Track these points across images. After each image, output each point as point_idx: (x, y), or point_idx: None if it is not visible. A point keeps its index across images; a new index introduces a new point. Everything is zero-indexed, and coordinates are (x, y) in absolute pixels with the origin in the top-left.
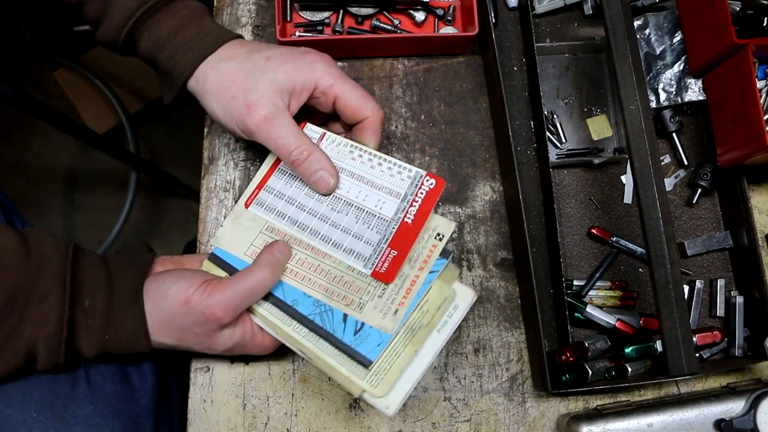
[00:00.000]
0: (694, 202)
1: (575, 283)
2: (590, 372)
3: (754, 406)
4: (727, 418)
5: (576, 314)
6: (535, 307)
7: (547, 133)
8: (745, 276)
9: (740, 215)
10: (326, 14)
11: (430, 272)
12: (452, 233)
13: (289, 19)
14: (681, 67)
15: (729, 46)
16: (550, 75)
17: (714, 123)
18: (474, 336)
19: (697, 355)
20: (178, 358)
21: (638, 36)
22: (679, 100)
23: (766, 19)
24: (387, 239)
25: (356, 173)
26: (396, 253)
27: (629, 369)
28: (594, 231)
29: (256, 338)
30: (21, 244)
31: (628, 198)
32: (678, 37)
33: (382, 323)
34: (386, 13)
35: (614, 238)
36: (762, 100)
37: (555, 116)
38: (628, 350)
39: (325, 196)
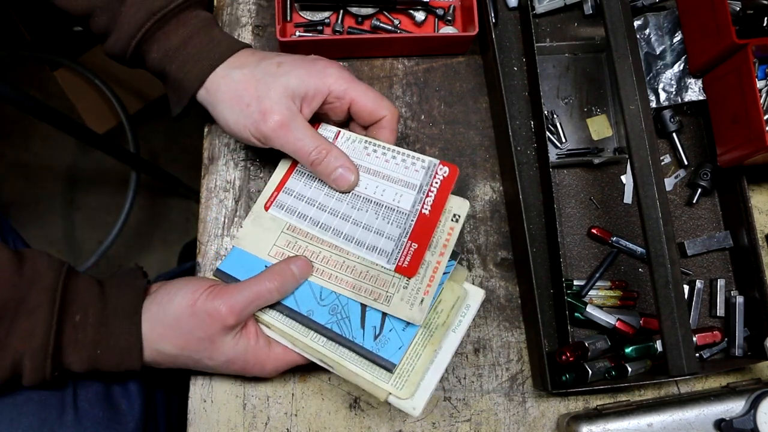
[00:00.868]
0: (694, 202)
1: (575, 283)
2: (590, 372)
3: (754, 406)
4: (727, 418)
5: (576, 314)
6: (535, 307)
7: (547, 133)
8: (745, 276)
9: (740, 215)
10: (326, 14)
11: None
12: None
13: (289, 19)
14: (681, 67)
15: (729, 46)
16: (550, 75)
17: (714, 123)
18: (474, 336)
19: (697, 355)
20: (164, 373)
21: (638, 36)
22: (679, 100)
23: (766, 19)
24: (407, 233)
25: (372, 168)
26: (416, 246)
27: (629, 369)
28: (594, 231)
29: (259, 354)
30: (15, 260)
31: (628, 198)
32: (678, 37)
33: (410, 314)
34: (386, 13)
35: (614, 238)
36: (762, 100)
37: (555, 116)
38: (628, 350)
39: (345, 193)
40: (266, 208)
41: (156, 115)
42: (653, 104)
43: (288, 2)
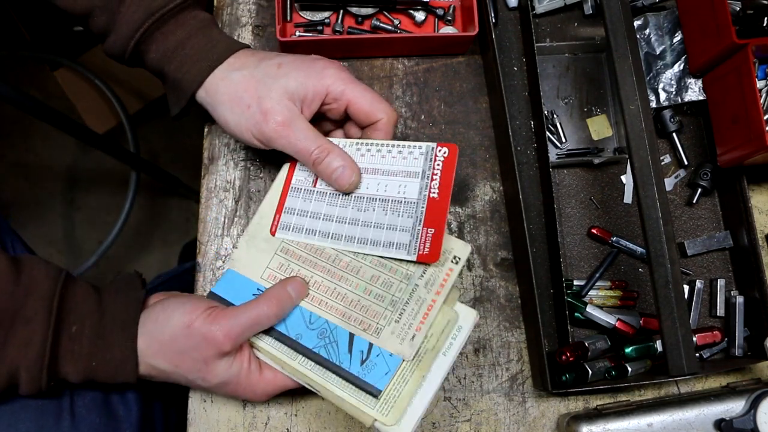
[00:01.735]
0: (694, 202)
1: (575, 283)
2: (590, 372)
3: (754, 406)
4: (727, 418)
5: (576, 314)
6: (535, 307)
7: (547, 133)
8: (745, 276)
9: (740, 215)
10: (326, 14)
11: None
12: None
13: (289, 19)
14: (681, 67)
15: (729, 46)
16: (550, 75)
17: (714, 123)
18: (474, 336)
19: (697, 355)
20: (162, 386)
21: (638, 36)
22: (679, 100)
23: (766, 19)
24: (420, 220)
25: (370, 167)
26: (433, 230)
27: (629, 369)
28: (594, 231)
29: (251, 378)
30: (12, 268)
31: (628, 198)
32: (678, 37)
33: (399, 349)
34: (386, 13)
35: (614, 238)
36: (762, 100)
37: (555, 116)
38: (628, 350)
39: (348, 194)
40: (272, 233)
41: (156, 115)
42: (653, 104)
43: (288, 2)
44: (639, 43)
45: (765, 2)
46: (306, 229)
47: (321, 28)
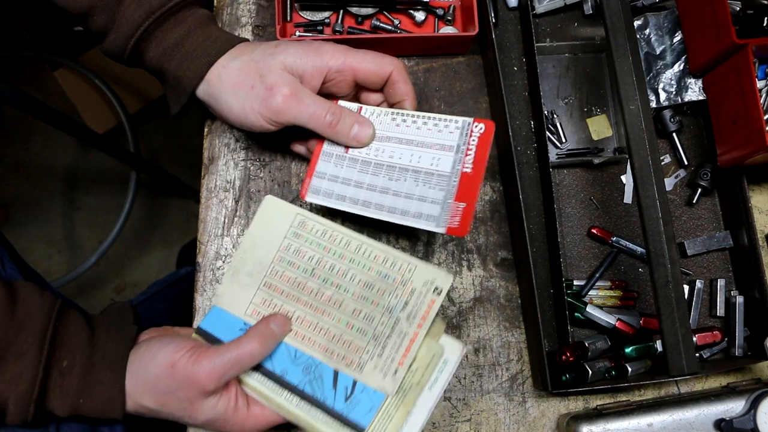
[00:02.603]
0: (694, 202)
1: (575, 283)
2: (590, 372)
3: (754, 406)
4: (727, 418)
5: (576, 314)
6: (535, 307)
7: (547, 133)
8: (745, 276)
9: (740, 215)
10: (326, 14)
11: None
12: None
13: (289, 19)
14: (681, 67)
15: (729, 46)
16: (550, 75)
17: (714, 123)
18: (474, 336)
19: (697, 355)
20: (150, 419)
21: (638, 36)
22: (679, 100)
23: (766, 19)
24: (452, 194)
25: (404, 138)
26: (465, 204)
27: (629, 369)
28: (594, 231)
29: (239, 415)
30: (7, 298)
31: (628, 198)
32: (678, 37)
33: (382, 384)
34: (386, 13)
35: (614, 238)
36: (762, 100)
37: (555, 116)
38: (628, 350)
39: (365, 147)
40: (302, 196)
41: (156, 115)
42: (653, 104)
43: (288, 2)
44: (639, 43)
45: (765, 2)
46: (336, 195)
47: (321, 28)
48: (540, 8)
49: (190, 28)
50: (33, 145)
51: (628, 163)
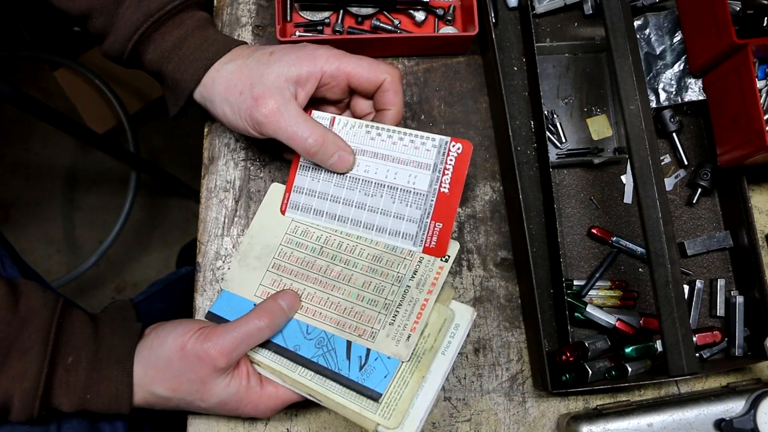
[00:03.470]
0: (694, 202)
1: (575, 283)
2: (590, 372)
3: (754, 406)
4: (727, 418)
5: (576, 314)
6: (535, 307)
7: (547, 133)
8: (745, 276)
9: (740, 215)
10: (326, 14)
11: None
12: (457, 253)
13: (289, 19)
14: (681, 67)
15: (729, 46)
16: (550, 75)
17: (714, 123)
18: (474, 336)
19: (697, 355)
20: (151, 410)
21: (638, 36)
22: (679, 100)
23: (766, 19)
24: (429, 213)
25: (379, 153)
26: (441, 225)
27: (629, 369)
28: (594, 231)
29: (252, 394)
30: (10, 295)
31: (628, 198)
32: (678, 37)
33: (395, 350)
34: (386, 13)
35: (614, 238)
36: (762, 100)
37: (555, 116)
38: (628, 350)
39: (343, 174)
40: (282, 211)
41: (156, 115)
42: (653, 104)
43: (288, 2)
44: (639, 43)
45: (765, 2)
46: (314, 210)
47: (321, 28)
48: (540, 8)
49: (189, 31)
50: (33, 145)
51: (628, 163)
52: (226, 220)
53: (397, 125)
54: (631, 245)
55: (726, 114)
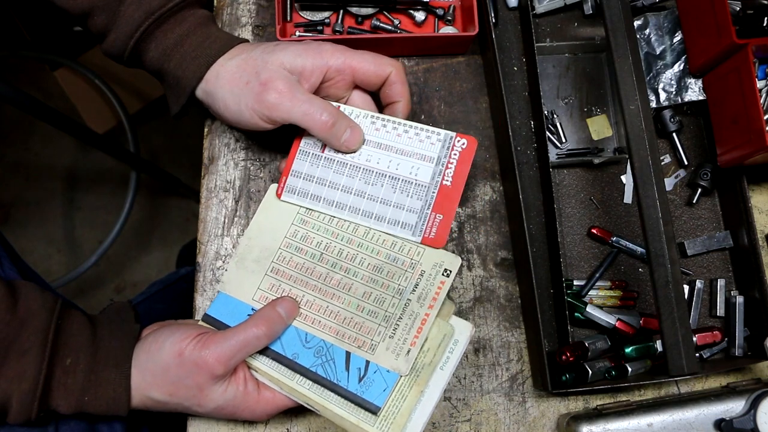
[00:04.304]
0: (694, 202)
1: (575, 283)
2: (590, 372)
3: (754, 406)
4: (727, 418)
5: (576, 314)
6: (535, 307)
7: (547, 133)
8: (745, 276)
9: (740, 215)
10: (326, 14)
11: None
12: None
13: (289, 19)
14: (681, 67)
15: (729, 46)
16: (550, 75)
17: (714, 123)
18: (474, 336)
19: (697, 355)
20: (150, 416)
21: (638, 36)
22: (679, 100)
23: (766, 19)
24: (429, 204)
25: (383, 143)
26: (441, 216)
27: (629, 369)
28: (594, 231)
29: (249, 399)
30: (8, 296)
31: (628, 198)
32: (678, 37)
33: (395, 365)
34: (386, 13)
35: (614, 238)
36: (762, 100)
37: (555, 116)
38: (628, 350)
39: (346, 161)
40: (278, 195)
41: (156, 115)
42: (653, 104)
43: (288, 2)
44: (639, 43)
45: (765, 2)
46: (311, 195)
47: (321, 28)
48: (540, 8)
49: (190, 29)
50: (33, 145)
51: (628, 163)
52: (226, 220)
53: (407, 117)
54: (631, 245)
55: (726, 114)
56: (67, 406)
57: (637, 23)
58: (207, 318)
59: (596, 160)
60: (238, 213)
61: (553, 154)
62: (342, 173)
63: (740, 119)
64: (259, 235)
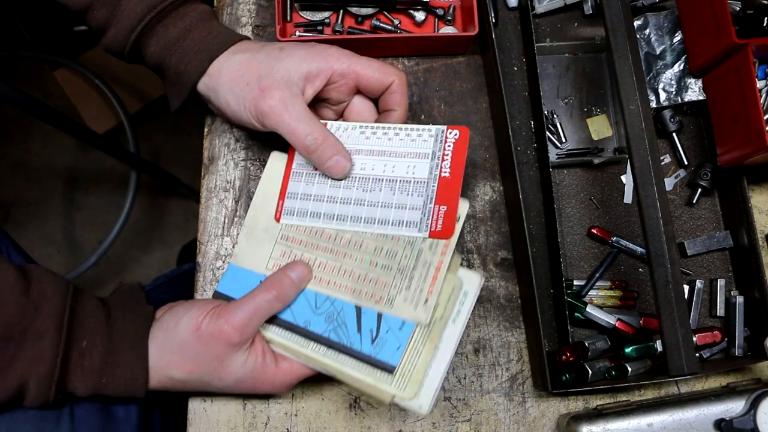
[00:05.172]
0: (694, 202)
1: (575, 283)
2: (590, 372)
3: (754, 406)
4: (727, 418)
5: (576, 314)
6: (535, 307)
7: (547, 133)
8: (745, 276)
9: (740, 215)
10: (326, 14)
11: None
12: (467, 210)
13: (289, 19)
14: (681, 67)
15: (729, 46)
16: (550, 75)
17: (714, 123)
18: (474, 336)
19: (697, 355)
20: (161, 393)
21: (638, 36)
22: (679, 100)
23: (766, 19)
24: (431, 198)
25: (375, 149)
26: (446, 207)
27: (629, 369)
28: (594, 231)
29: (268, 371)
30: (21, 280)
31: (628, 198)
32: (678, 37)
33: (414, 315)
34: (386, 13)
35: (614, 238)
36: (762, 100)
37: (555, 116)
38: (628, 350)
39: (340, 180)
40: (277, 219)
41: (156, 115)
42: (653, 104)
43: (288, 2)
44: (639, 43)
45: (765, 2)
46: (310, 213)
47: (321, 28)
48: (540, 8)
49: (192, 23)
50: (33, 145)
51: (628, 163)
52: (226, 220)
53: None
54: (631, 245)
55: (726, 114)
56: (84, 388)
57: (637, 23)
58: (217, 295)
59: (596, 160)
60: (238, 213)
61: (553, 154)
62: (338, 186)
63: (740, 119)
64: (264, 204)
